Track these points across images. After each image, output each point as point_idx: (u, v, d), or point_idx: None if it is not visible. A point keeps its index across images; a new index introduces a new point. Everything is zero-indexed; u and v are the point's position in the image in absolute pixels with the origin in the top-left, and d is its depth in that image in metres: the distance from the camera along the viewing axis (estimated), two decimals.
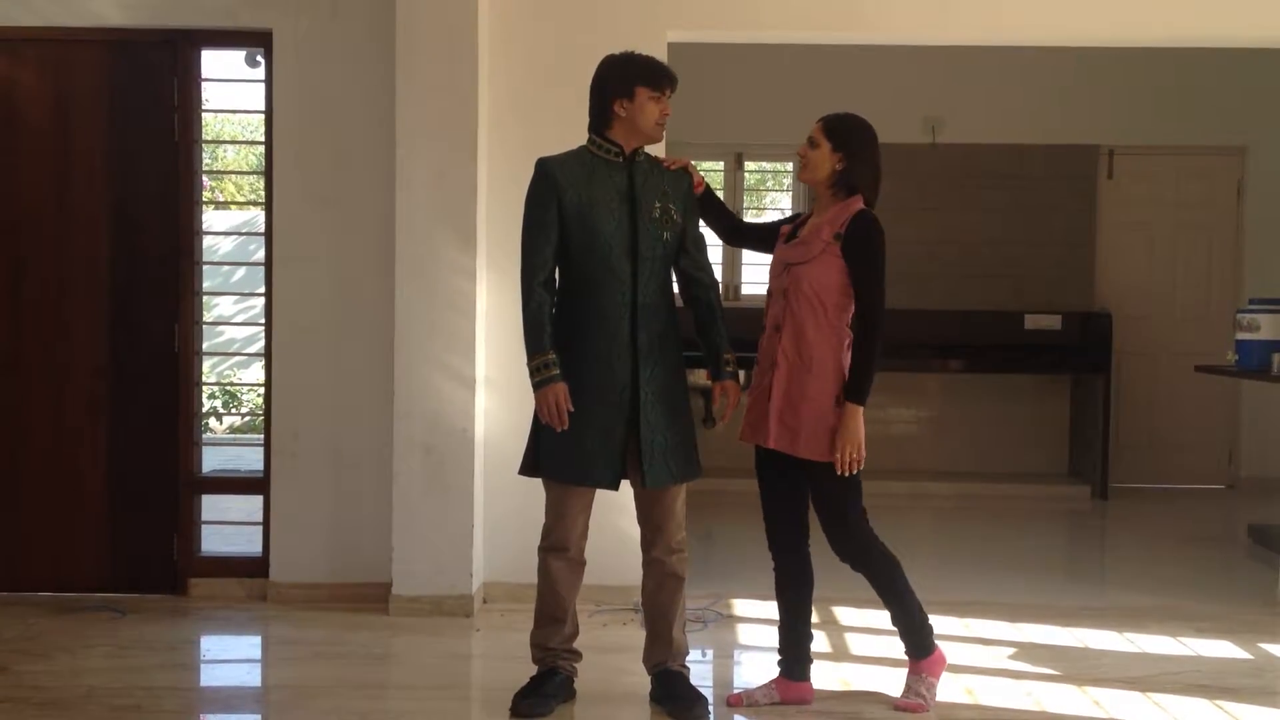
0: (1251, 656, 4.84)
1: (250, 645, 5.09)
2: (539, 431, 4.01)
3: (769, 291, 4.12)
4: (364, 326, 5.37)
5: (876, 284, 3.95)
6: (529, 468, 4.07)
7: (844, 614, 5.21)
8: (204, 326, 5.61)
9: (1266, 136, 8.82)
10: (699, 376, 4.90)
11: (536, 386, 3.90)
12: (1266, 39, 5.76)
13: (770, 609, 4.30)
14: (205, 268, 5.56)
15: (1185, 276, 9.04)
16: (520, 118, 5.36)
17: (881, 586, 4.07)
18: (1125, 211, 8.99)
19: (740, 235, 4.44)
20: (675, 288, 4.12)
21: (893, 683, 4.28)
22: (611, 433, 3.92)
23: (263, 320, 5.53)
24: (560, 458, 3.96)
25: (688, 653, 4.18)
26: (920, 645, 4.12)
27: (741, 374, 4.20)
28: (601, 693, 4.22)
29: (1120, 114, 8.80)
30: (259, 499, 5.53)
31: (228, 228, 13.14)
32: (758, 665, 4.54)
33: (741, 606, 5.38)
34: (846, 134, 4.00)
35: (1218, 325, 8.49)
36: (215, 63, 5.78)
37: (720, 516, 7.21)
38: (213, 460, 6.11)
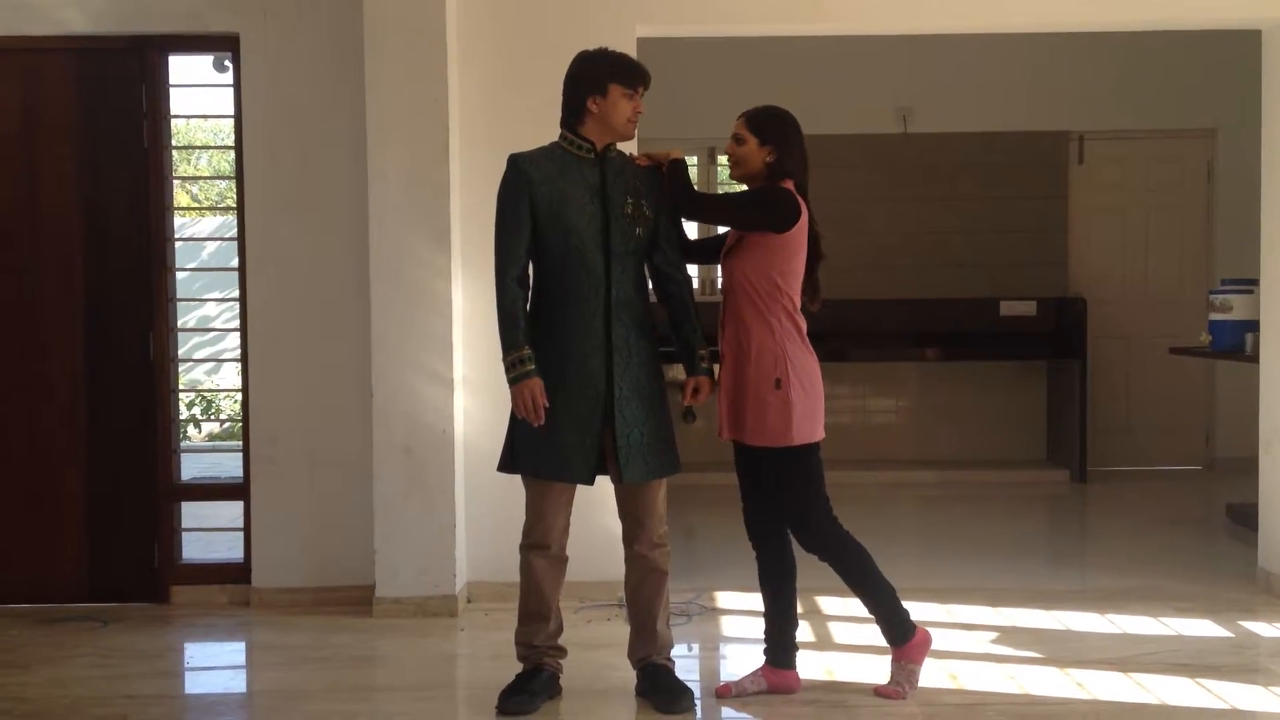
0: (1232, 635, 4.88)
1: (234, 651, 5.08)
2: (515, 428, 4.02)
3: (721, 289, 4.14)
4: (340, 329, 5.36)
5: (744, 204, 4.05)
6: (506, 465, 4.08)
7: (827, 603, 5.22)
8: (180, 333, 5.59)
9: (1235, 118, 8.82)
10: (678, 372, 4.90)
11: (512, 382, 3.90)
12: (1229, 20, 5.78)
13: (754, 601, 4.31)
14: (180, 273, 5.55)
15: (1158, 259, 9.10)
16: (491, 116, 5.35)
17: (849, 576, 4.07)
18: (1097, 196, 9.04)
19: (696, 252, 4.35)
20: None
21: (877, 670, 4.29)
22: (587, 428, 3.93)
23: (237, 325, 5.51)
24: (536, 454, 3.96)
25: (672, 646, 4.18)
26: (899, 631, 4.12)
27: (717, 369, 4.20)
28: (587, 688, 4.23)
29: (1090, 99, 8.85)
30: (239, 505, 5.52)
31: (194, 234, 13.09)
32: (742, 657, 4.54)
33: (725, 599, 5.39)
34: (771, 126, 4.01)
35: (1191, 307, 8.52)
36: (183, 68, 5.76)
37: (702, 510, 7.21)
38: (193, 468, 6.10)
